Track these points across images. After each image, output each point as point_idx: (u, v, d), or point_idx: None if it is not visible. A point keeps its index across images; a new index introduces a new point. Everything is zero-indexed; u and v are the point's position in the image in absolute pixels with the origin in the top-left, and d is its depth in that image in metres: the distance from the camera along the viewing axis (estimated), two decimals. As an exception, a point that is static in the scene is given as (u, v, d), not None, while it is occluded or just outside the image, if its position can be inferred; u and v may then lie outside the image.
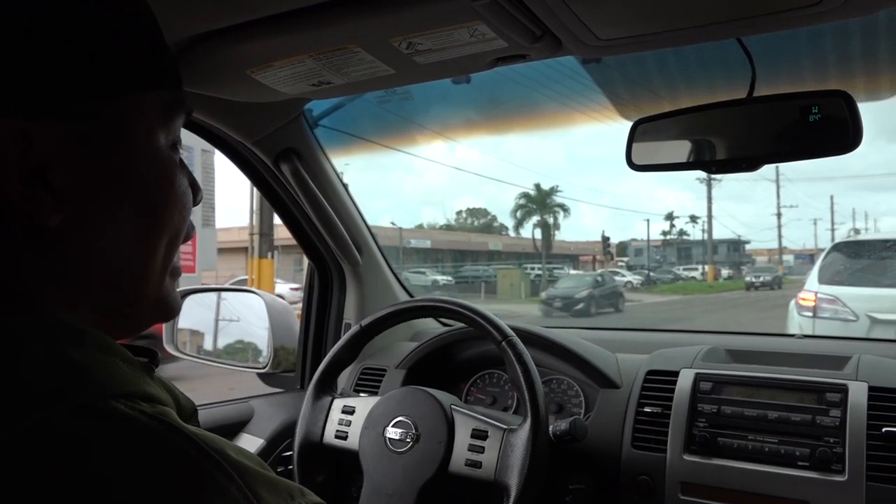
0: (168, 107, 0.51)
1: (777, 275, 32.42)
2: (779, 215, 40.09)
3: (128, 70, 0.48)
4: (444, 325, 1.79)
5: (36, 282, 0.45)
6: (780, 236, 41.32)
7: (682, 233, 42.45)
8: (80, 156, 0.45)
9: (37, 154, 0.43)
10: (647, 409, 1.26)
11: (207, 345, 1.84)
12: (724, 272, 37.94)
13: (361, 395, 1.38)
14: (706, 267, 35.45)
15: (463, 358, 1.55)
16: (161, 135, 0.51)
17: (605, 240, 32.49)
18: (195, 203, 0.55)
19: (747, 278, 32.67)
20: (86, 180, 0.45)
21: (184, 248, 0.57)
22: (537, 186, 37.24)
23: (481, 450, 1.13)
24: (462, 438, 1.15)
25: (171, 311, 0.54)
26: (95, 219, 0.46)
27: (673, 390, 1.26)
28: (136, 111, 0.48)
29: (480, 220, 47.06)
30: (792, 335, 1.70)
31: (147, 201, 0.49)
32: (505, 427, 1.14)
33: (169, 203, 0.51)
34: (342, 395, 1.34)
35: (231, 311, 1.84)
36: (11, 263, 0.44)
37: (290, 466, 1.33)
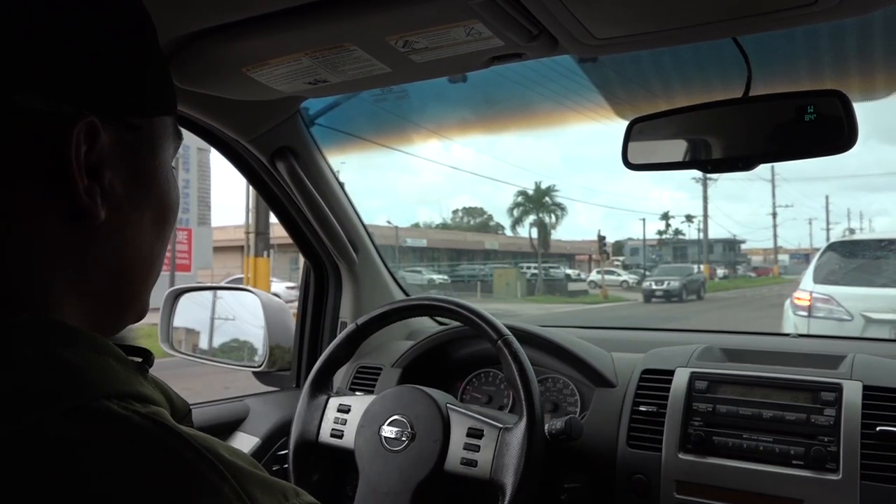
0: (176, 129, 0.58)
1: (692, 278, 24.43)
2: (774, 215, 40.24)
3: (164, 94, 0.56)
4: (440, 323, 1.79)
5: (54, 273, 0.47)
6: (775, 236, 41.48)
7: (677, 232, 42.51)
8: (121, 161, 0.50)
9: (97, 152, 0.47)
10: (642, 408, 1.26)
11: (203, 343, 1.84)
12: (720, 271, 38.01)
13: (357, 393, 1.38)
14: (702, 266, 35.49)
15: (459, 357, 1.55)
16: (171, 153, 0.57)
17: (602, 239, 32.45)
18: None
19: (645, 283, 24.78)
20: (123, 184, 0.50)
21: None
22: (538, 185, 37.33)
23: (477, 448, 1.13)
24: (458, 437, 1.15)
25: (143, 315, 0.58)
26: (125, 221, 0.51)
27: (668, 389, 1.26)
28: (162, 130, 0.55)
29: (476, 220, 47.12)
30: (787, 334, 1.70)
31: (160, 210, 0.55)
32: (501, 426, 1.14)
33: (171, 213, 0.56)
34: (338, 394, 1.34)
35: (227, 309, 1.83)
36: (43, 252, 0.46)
37: (286, 465, 1.33)
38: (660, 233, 42.99)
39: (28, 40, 0.45)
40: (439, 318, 1.79)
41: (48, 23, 0.46)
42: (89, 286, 0.49)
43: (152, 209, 0.54)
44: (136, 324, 0.58)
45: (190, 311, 1.79)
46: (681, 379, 1.26)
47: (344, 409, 1.29)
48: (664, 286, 22.00)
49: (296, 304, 1.83)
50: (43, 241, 0.46)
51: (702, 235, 38.26)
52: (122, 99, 0.50)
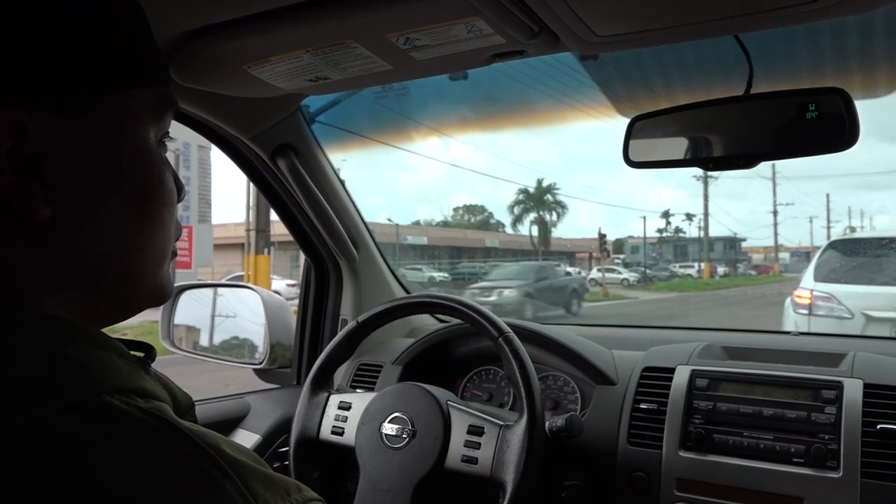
0: (158, 103, 0.51)
1: (549, 284, 16.37)
2: (775, 213, 40.19)
3: (118, 66, 0.48)
4: (441, 321, 1.79)
5: (22, 274, 0.45)
6: (776, 234, 41.45)
7: (678, 230, 42.48)
8: (71, 150, 0.45)
9: (29, 147, 0.43)
10: (642, 406, 1.26)
11: (203, 341, 1.84)
12: (721, 269, 37.97)
13: (358, 391, 1.38)
14: (702, 264, 35.44)
15: (459, 354, 1.55)
16: (151, 131, 0.51)
17: (602, 237, 32.36)
18: (178, 200, 0.55)
19: (470, 289, 17.32)
20: (77, 174, 0.46)
21: (180, 244, 0.58)
22: (539, 183, 37.33)
23: (477, 446, 1.13)
24: (458, 435, 1.15)
25: (164, 296, 0.55)
26: (85, 212, 0.47)
27: (669, 387, 1.26)
28: (126, 107, 0.49)
29: (477, 217, 47.07)
30: (787, 332, 1.70)
31: (137, 196, 0.50)
32: (501, 423, 1.14)
33: (158, 198, 0.51)
34: (338, 391, 1.34)
35: (227, 306, 1.84)
36: (9, 254, 0.44)
37: (286, 462, 1.33)
38: (660, 231, 42.99)
39: None
40: (440, 316, 1.79)
41: None
42: (63, 280, 0.47)
43: (123, 196, 0.48)
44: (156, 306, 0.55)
45: (191, 309, 1.79)
46: (681, 377, 1.26)
47: (344, 407, 1.29)
48: (492, 298, 14.51)
49: (296, 301, 1.83)
50: (3, 243, 0.44)
51: (702, 233, 38.22)
52: (53, 81, 0.44)
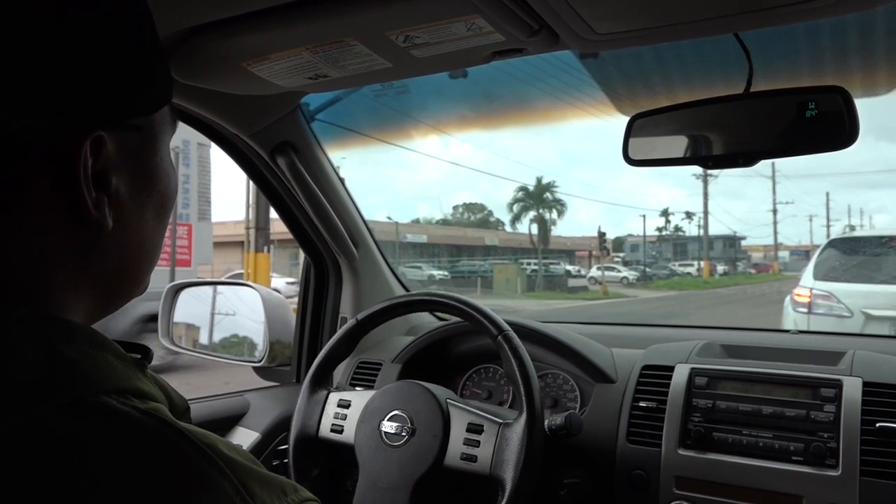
0: (173, 114, 0.57)
1: None
2: (774, 211, 40.18)
3: (164, 85, 0.53)
4: (440, 319, 1.79)
5: (57, 273, 0.47)
6: (775, 232, 41.46)
7: (677, 228, 42.45)
8: (125, 164, 0.50)
9: (103, 161, 0.47)
10: (642, 404, 1.26)
11: (203, 338, 1.84)
12: (720, 268, 37.99)
13: (357, 388, 1.38)
14: (702, 263, 35.44)
15: (459, 352, 1.55)
16: (169, 140, 0.56)
17: (602, 235, 32.34)
18: None
19: None
20: (128, 186, 0.50)
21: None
22: (538, 181, 37.33)
23: (477, 444, 1.13)
24: (458, 433, 1.15)
25: (145, 290, 0.58)
26: (129, 220, 0.51)
27: (668, 385, 1.26)
28: (161, 121, 0.54)
29: (477, 216, 47.04)
30: (787, 331, 1.70)
31: (162, 201, 0.55)
32: (500, 421, 1.14)
33: (171, 202, 0.57)
34: (338, 389, 1.34)
35: (227, 304, 1.84)
36: (47, 253, 0.46)
37: (286, 460, 1.33)
38: (660, 229, 42.95)
39: (21, 66, 0.43)
40: (439, 314, 1.79)
41: (41, 45, 0.44)
42: (92, 282, 0.50)
43: (154, 204, 0.54)
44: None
45: (190, 306, 1.79)
46: (681, 375, 1.26)
47: (344, 405, 1.29)
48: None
49: (296, 299, 1.83)
50: (48, 243, 0.46)
51: (702, 232, 38.18)
52: (123, 104, 0.49)
